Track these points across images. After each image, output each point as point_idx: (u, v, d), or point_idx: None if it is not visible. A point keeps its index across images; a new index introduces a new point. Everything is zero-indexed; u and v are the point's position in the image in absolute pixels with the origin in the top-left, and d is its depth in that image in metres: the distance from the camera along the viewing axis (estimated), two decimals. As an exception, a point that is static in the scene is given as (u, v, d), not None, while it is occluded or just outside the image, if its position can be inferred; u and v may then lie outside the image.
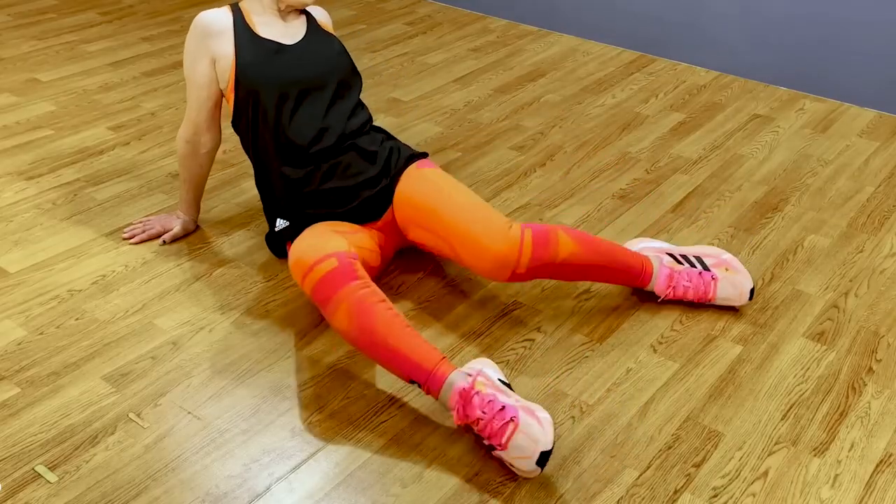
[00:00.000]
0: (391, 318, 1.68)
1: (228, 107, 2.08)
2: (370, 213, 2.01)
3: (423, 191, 1.97)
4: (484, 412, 1.58)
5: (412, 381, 1.67)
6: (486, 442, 1.61)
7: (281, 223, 2.06)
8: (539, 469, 1.54)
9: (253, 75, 1.97)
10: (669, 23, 3.51)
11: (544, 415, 1.55)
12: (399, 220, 2.02)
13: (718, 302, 2.03)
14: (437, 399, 1.66)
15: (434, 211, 1.94)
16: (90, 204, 2.43)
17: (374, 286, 1.73)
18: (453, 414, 1.63)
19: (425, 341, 1.69)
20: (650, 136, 2.91)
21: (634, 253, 2.03)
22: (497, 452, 1.59)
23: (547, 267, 1.89)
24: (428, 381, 1.65)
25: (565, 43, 3.71)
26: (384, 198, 2.00)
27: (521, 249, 1.85)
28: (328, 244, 1.78)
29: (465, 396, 1.60)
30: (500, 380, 1.66)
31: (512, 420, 1.55)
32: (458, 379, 1.63)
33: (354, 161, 1.98)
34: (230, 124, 2.11)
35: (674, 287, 2.01)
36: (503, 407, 1.57)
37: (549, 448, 1.52)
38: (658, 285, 2.02)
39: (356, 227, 1.98)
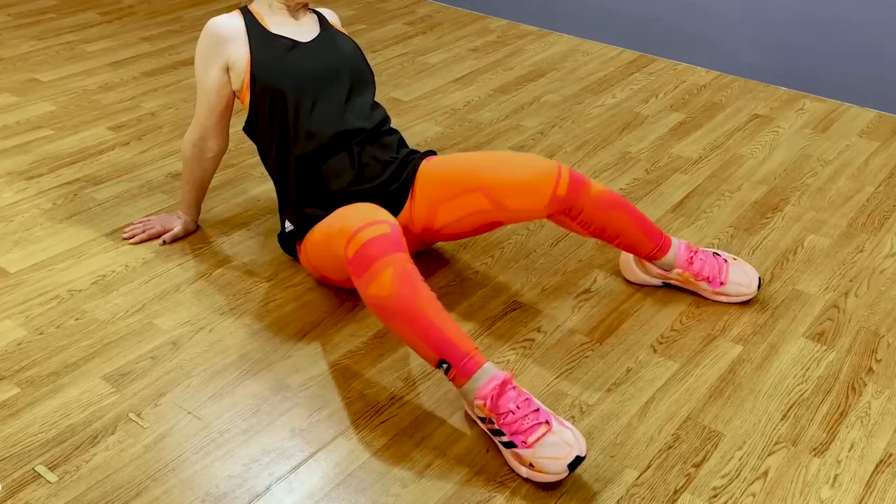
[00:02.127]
0: (433, 297, 1.66)
1: (243, 108, 2.07)
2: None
3: (447, 163, 1.99)
4: (518, 407, 1.58)
5: (441, 362, 1.63)
6: (504, 438, 1.60)
7: (289, 226, 2.06)
8: (567, 472, 1.55)
9: (270, 73, 1.97)
10: (669, 23, 3.51)
11: (574, 428, 1.58)
12: (423, 211, 1.99)
13: (730, 288, 2.04)
14: (459, 386, 1.63)
15: (463, 169, 1.94)
16: (90, 204, 2.43)
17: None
18: (479, 402, 1.61)
19: (462, 330, 1.67)
20: (650, 136, 2.91)
21: None
22: (515, 450, 1.58)
23: (581, 198, 1.89)
24: (462, 363, 1.62)
25: (565, 43, 3.71)
26: (399, 198, 1.99)
27: (559, 171, 1.88)
28: (377, 213, 1.73)
29: (503, 387, 1.60)
30: None
31: (546, 423, 1.57)
32: (494, 369, 1.63)
33: (372, 164, 1.98)
34: (242, 129, 2.10)
35: (691, 258, 2.03)
36: (538, 409, 1.59)
37: (583, 453, 1.54)
38: (679, 257, 2.04)
39: None
